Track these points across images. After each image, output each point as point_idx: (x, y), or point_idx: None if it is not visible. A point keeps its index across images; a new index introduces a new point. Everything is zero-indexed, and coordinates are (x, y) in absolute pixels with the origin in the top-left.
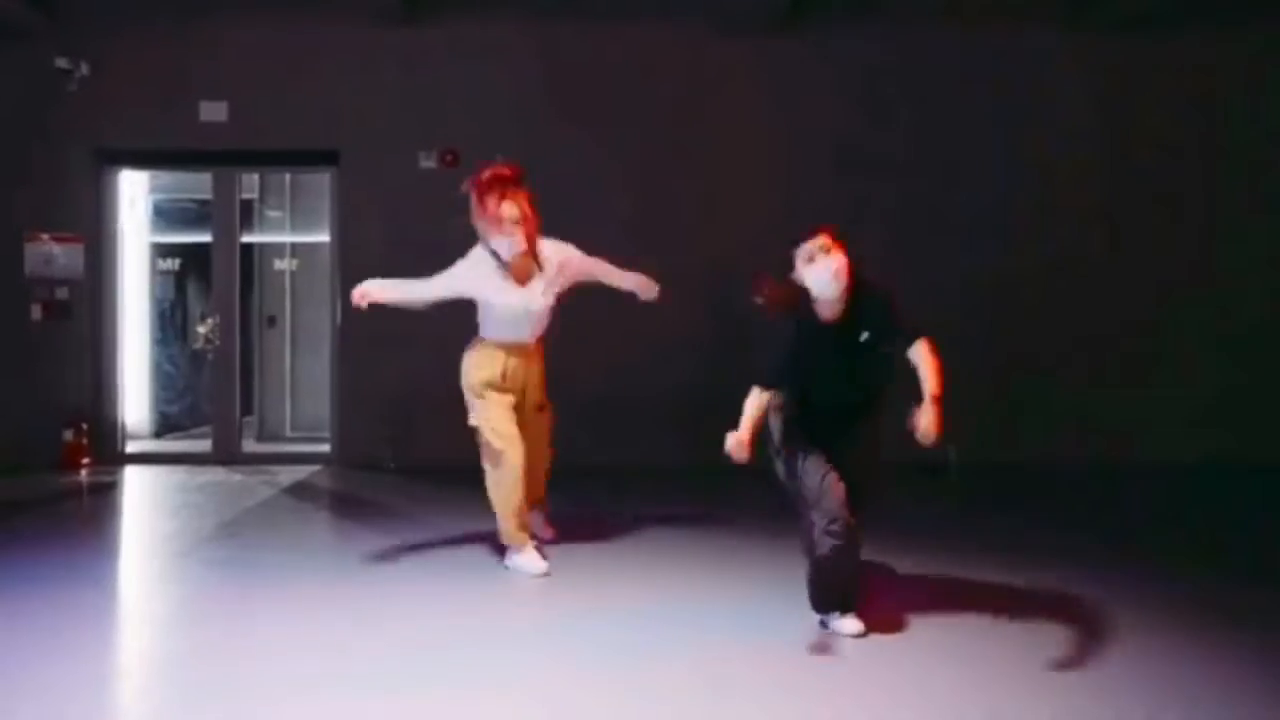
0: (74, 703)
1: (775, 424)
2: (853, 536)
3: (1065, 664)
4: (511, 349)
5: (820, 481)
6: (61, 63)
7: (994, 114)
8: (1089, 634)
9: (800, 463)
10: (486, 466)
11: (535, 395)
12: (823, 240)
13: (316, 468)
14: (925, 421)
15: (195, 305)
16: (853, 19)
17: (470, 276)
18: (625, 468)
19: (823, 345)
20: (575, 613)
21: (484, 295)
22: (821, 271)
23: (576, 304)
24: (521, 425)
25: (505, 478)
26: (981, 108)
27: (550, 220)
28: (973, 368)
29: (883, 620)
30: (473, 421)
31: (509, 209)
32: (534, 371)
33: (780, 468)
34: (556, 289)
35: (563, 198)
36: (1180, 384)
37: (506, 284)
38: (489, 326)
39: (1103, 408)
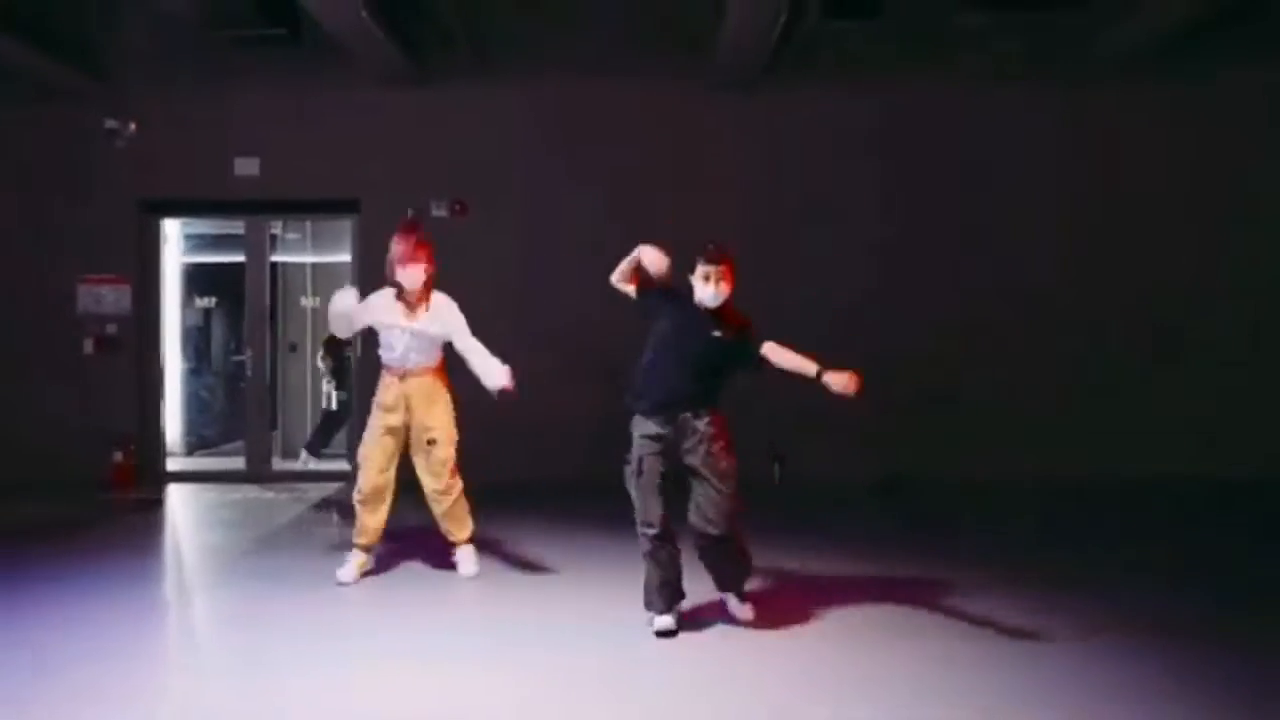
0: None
1: (634, 440)
2: (665, 544)
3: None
4: (399, 375)
5: (644, 494)
6: (111, 123)
7: (963, 157)
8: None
9: (636, 476)
10: None
11: (425, 429)
12: (721, 271)
13: (340, 484)
14: (841, 381)
15: (226, 332)
16: (828, 77)
17: (372, 305)
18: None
19: (683, 309)
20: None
21: (378, 319)
22: (708, 291)
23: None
24: (415, 453)
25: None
26: (952, 153)
27: (545, 262)
28: (937, 390)
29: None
30: None
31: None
32: (420, 401)
33: (627, 475)
34: (434, 329)
35: (556, 242)
36: (1146, 403)
37: (397, 316)
38: (383, 352)
39: (1067, 426)
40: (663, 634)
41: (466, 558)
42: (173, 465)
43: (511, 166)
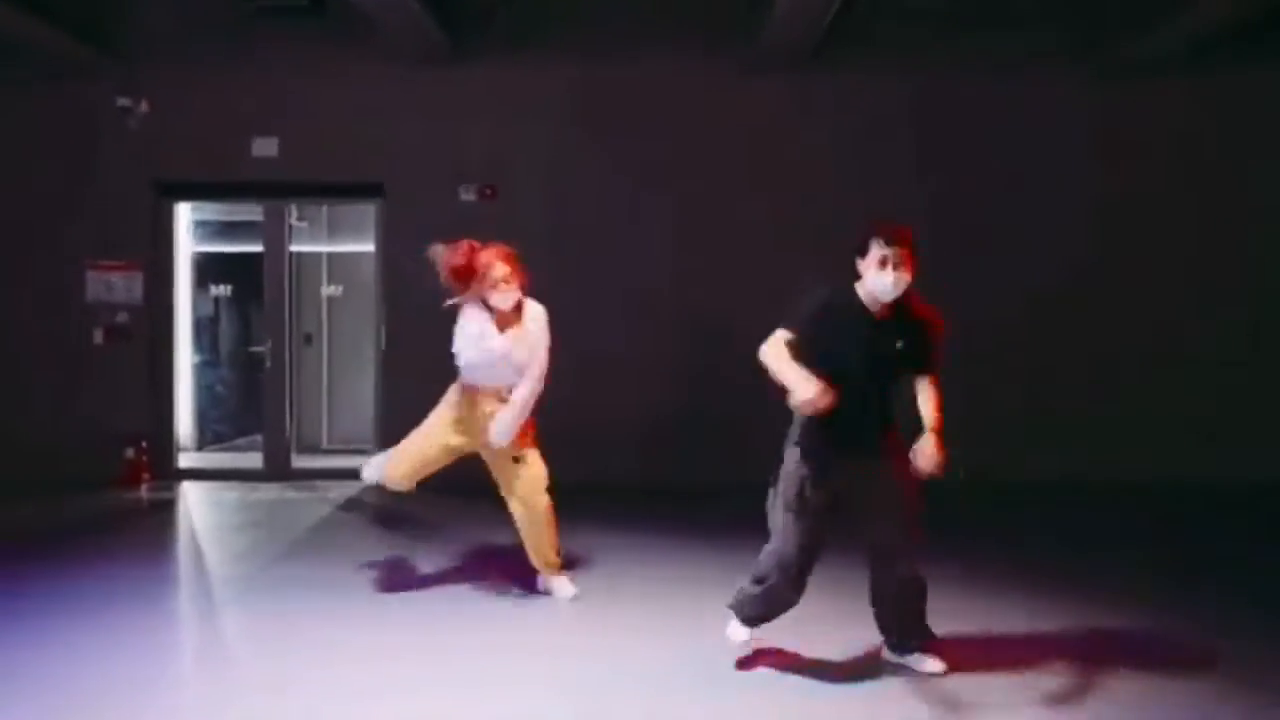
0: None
1: (788, 457)
2: (792, 592)
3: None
4: (481, 391)
5: (792, 530)
6: (123, 101)
7: (1005, 147)
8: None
9: (790, 517)
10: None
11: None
12: (902, 254)
13: (361, 484)
14: (928, 454)
15: (238, 322)
16: (874, 59)
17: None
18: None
19: (855, 329)
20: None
21: (470, 342)
22: (885, 280)
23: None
24: (497, 472)
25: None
26: (993, 143)
27: (578, 252)
28: (987, 390)
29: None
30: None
31: (499, 270)
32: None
33: (771, 499)
34: (522, 348)
35: (591, 231)
36: (1185, 403)
37: (490, 330)
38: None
39: (1111, 427)
40: (737, 644)
41: (561, 582)
42: (186, 462)
43: (544, 150)
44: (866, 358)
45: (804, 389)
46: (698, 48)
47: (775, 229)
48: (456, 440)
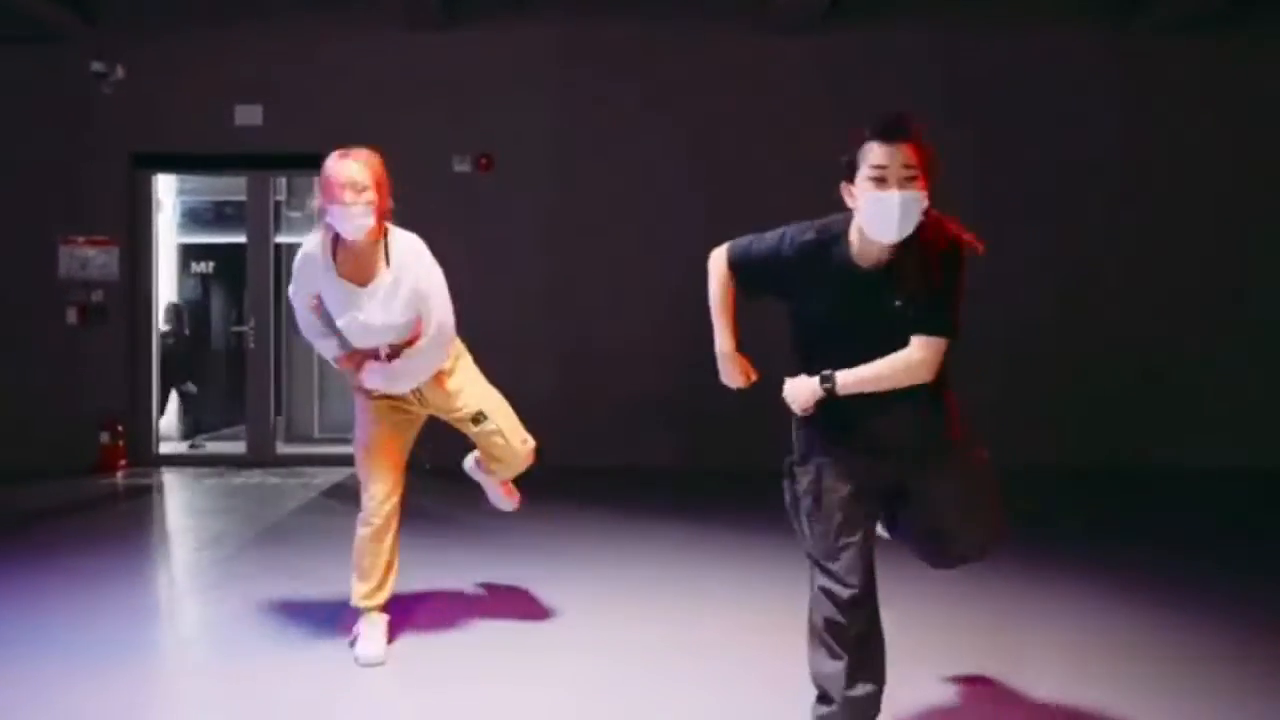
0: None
1: (796, 445)
2: (861, 613)
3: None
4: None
5: (824, 528)
6: (97, 66)
7: (1035, 113)
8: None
9: (808, 502)
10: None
11: (455, 410)
12: (907, 155)
13: (350, 470)
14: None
15: (224, 307)
16: (893, 17)
17: (302, 284)
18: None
19: (836, 283)
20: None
21: (326, 303)
22: (889, 203)
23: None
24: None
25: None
26: (1023, 106)
27: (581, 222)
28: (1001, 370)
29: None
30: None
31: (351, 170)
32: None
33: (789, 497)
34: (400, 303)
35: (593, 201)
36: (1223, 389)
37: (339, 286)
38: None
39: (1141, 411)
40: None
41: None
42: (166, 448)
43: (545, 117)
44: (850, 315)
45: (724, 367)
46: (708, 6)
47: (791, 200)
48: (393, 436)
